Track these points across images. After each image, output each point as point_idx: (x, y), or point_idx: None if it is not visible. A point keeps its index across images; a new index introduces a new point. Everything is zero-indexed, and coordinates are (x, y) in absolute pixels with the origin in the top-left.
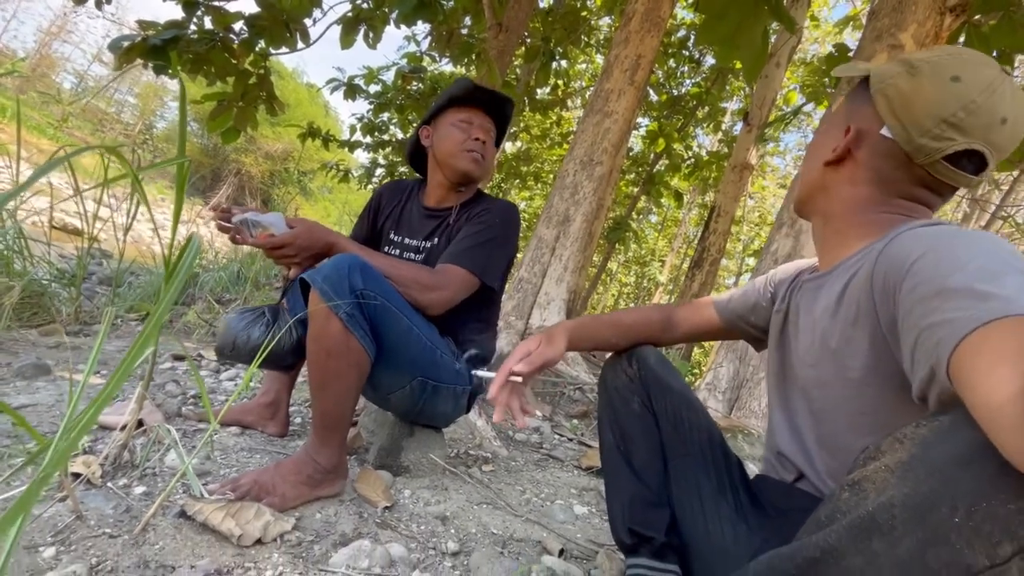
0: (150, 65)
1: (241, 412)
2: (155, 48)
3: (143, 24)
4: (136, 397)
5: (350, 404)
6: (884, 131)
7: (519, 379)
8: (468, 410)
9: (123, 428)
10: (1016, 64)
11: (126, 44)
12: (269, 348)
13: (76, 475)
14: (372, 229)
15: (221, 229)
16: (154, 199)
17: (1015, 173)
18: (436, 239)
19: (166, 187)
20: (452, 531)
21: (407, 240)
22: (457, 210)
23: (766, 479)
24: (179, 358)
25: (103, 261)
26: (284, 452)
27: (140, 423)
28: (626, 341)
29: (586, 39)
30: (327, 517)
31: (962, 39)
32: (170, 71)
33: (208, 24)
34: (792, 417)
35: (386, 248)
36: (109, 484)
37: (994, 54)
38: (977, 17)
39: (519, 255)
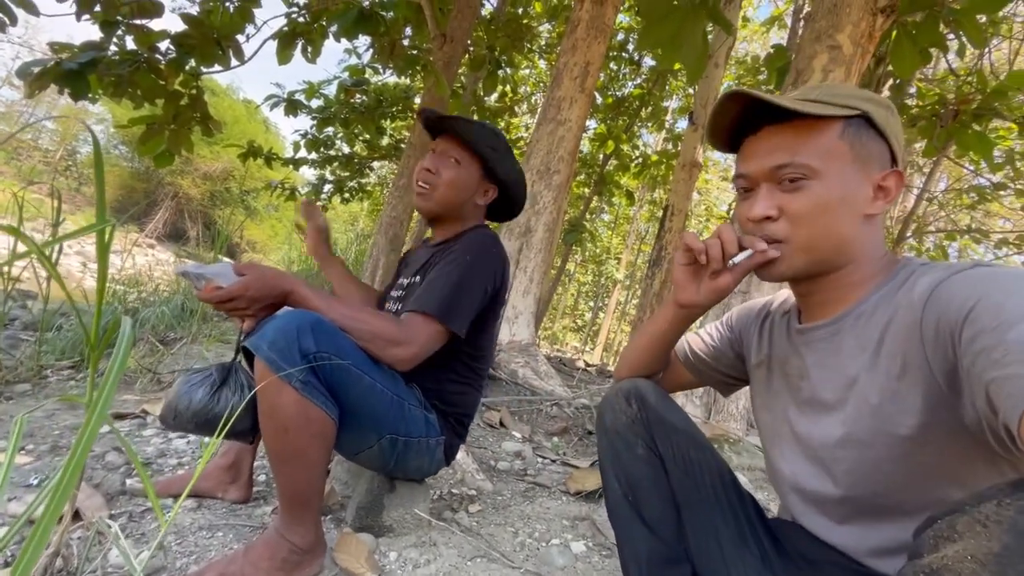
0: (66, 91)
1: (197, 478)
2: (71, 72)
3: (56, 47)
4: None
5: (320, 476)
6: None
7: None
8: (448, 462)
9: (57, 522)
10: (932, 62)
11: (37, 70)
12: (229, 416)
13: None
14: (396, 277)
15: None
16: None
17: (935, 158)
18: (417, 277)
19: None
20: None
21: (401, 280)
22: (437, 246)
23: (787, 523)
24: (119, 416)
25: (26, 304)
26: (250, 524)
27: (76, 514)
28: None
29: (529, 45)
30: None
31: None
32: (90, 96)
33: (130, 44)
34: (808, 479)
35: (392, 292)
36: None
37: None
38: (904, 17)
39: None
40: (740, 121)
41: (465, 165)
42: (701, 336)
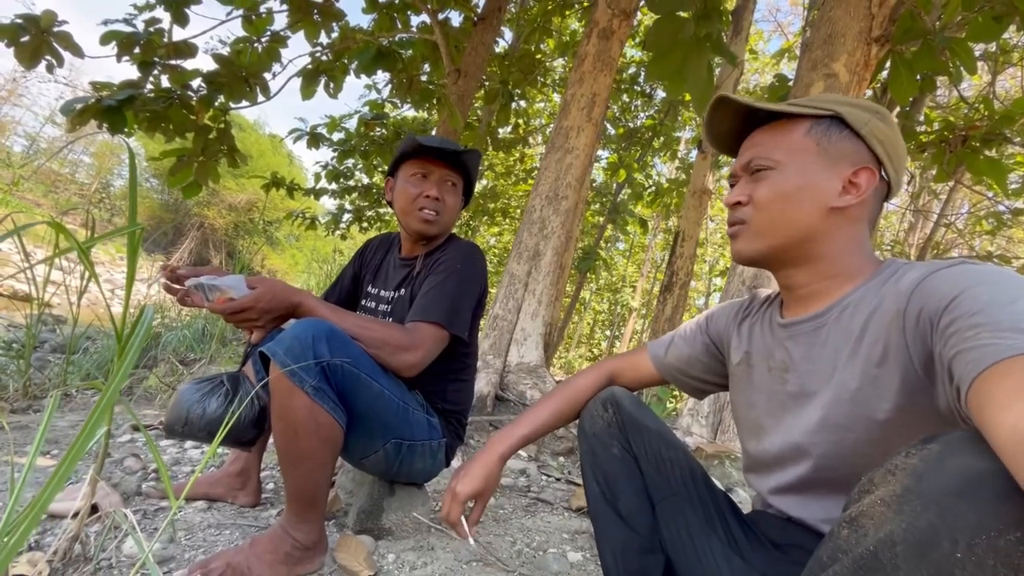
0: (105, 126)
1: (208, 484)
2: (110, 109)
3: (97, 85)
4: (89, 480)
5: (326, 478)
6: (883, 173)
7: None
8: (448, 463)
9: (75, 515)
10: (938, 87)
11: (79, 106)
12: (228, 423)
13: None
14: (354, 281)
15: (169, 291)
16: (112, 258)
17: (950, 184)
18: (403, 290)
19: (124, 245)
20: None
21: (381, 292)
22: (422, 259)
23: (761, 513)
24: (140, 428)
25: (56, 327)
26: (256, 525)
27: (94, 508)
28: (574, 413)
29: (542, 80)
30: None
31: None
32: (126, 130)
33: (165, 82)
34: (782, 465)
35: (364, 301)
36: None
37: (917, 78)
38: (900, 46)
39: (492, 291)
40: (741, 130)
41: (458, 187)
42: (678, 341)
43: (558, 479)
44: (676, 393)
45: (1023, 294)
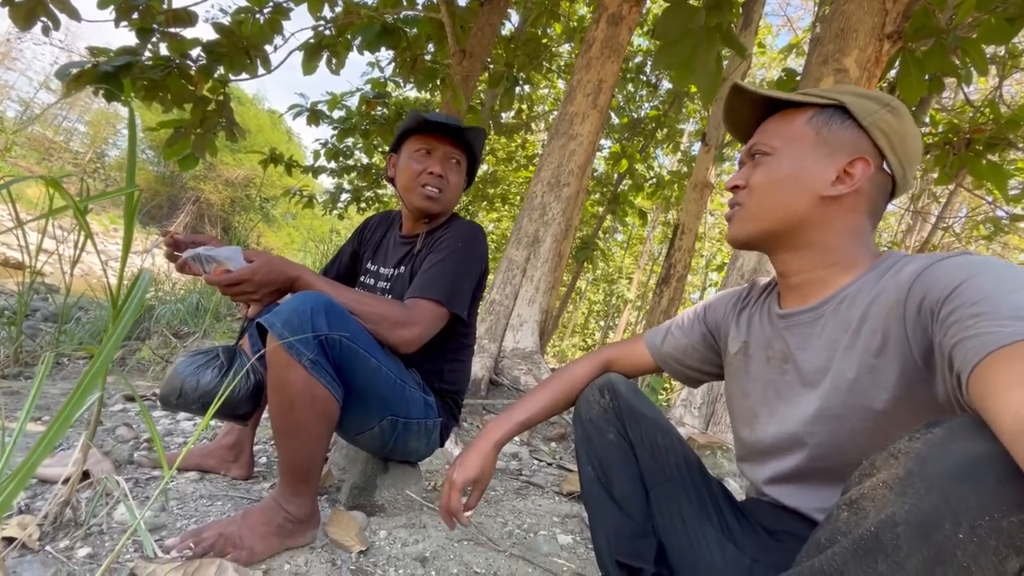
0: (101, 92)
1: (201, 456)
2: (107, 75)
3: (94, 51)
4: (80, 446)
5: (320, 452)
6: (885, 166)
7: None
8: (443, 443)
9: (66, 481)
10: (945, 89)
11: (75, 71)
12: (223, 396)
13: (9, 540)
14: (352, 258)
15: (170, 258)
16: (106, 229)
17: (951, 187)
18: (403, 267)
19: (118, 217)
20: (432, 573)
21: (381, 269)
22: (423, 237)
23: (755, 501)
24: (132, 399)
25: (48, 296)
26: (248, 497)
27: (86, 474)
28: (569, 401)
29: (547, 65)
30: (297, 568)
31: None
32: (123, 98)
33: (163, 50)
34: (777, 455)
35: (362, 277)
36: (48, 548)
37: (927, 78)
38: (911, 44)
39: (490, 276)
40: (758, 118)
41: (462, 165)
42: (675, 330)
43: (549, 464)
44: (668, 383)
45: (1019, 283)
